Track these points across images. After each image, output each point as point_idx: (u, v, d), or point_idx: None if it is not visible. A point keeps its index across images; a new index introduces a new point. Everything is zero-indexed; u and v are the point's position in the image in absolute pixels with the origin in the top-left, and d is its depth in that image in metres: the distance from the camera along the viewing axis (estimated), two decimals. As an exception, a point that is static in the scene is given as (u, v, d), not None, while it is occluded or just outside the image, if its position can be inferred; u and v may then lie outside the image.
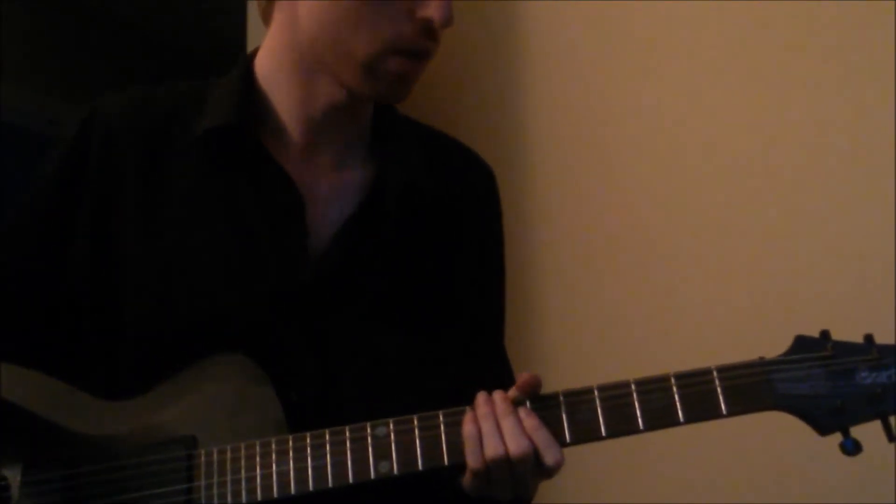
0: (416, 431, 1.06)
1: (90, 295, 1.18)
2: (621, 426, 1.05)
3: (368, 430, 1.07)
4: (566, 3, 2.27)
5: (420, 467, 1.05)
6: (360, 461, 1.06)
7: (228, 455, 1.08)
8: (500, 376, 1.31)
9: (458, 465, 1.06)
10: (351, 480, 1.05)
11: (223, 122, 1.18)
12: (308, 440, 1.07)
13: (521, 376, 1.07)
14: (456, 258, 1.26)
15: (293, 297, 1.16)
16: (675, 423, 1.04)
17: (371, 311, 1.19)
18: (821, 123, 1.84)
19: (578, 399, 1.06)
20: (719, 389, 1.04)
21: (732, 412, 1.03)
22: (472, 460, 1.04)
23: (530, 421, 1.05)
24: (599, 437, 1.06)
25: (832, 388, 1.02)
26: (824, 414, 1.02)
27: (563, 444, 1.06)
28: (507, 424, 1.05)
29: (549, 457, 1.04)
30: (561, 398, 1.06)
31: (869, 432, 1.01)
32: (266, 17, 1.23)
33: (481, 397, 1.08)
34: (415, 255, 1.22)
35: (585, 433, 1.06)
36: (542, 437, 1.04)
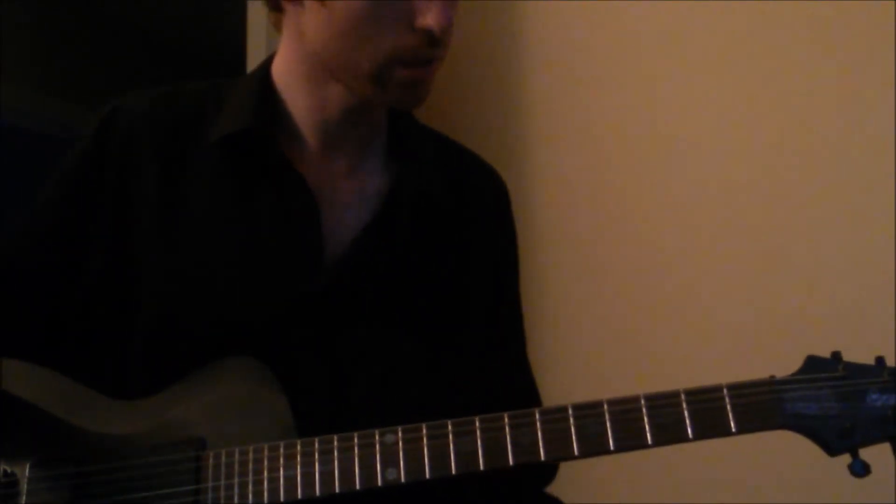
0: (425, 440, 1.06)
1: (105, 294, 1.18)
2: (630, 441, 1.05)
3: (377, 437, 1.06)
4: (566, 3, 2.29)
5: (427, 476, 1.05)
6: (367, 468, 1.06)
7: (236, 458, 1.07)
8: (520, 387, 1.31)
9: (466, 475, 1.06)
10: (358, 486, 1.05)
11: (241, 126, 1.18)
12: (316, 445, 1.07)
13: None
14: (470, 269, 1.27)
15: (307, 303, 1.16)
16: (684, 439, 1.04)
17: (384, 320, 1.19)
18: (823, 125, 1.85)
19: (587, 412, 1.06)
20: (729, 407, 1.04)
21: (742, 430, 1.03)
22: None
23: None
24: (607, 451, 1.06)
25: (842, 409, 1.02)
26: (834, 435, 1.02)
27: (570, 457, 1.06)
28: None
29: None
30: (570, 411, 1.07)
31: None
32: (277, 26, 1.23)
33: None
34: (429, 265, 1.23)
35: (594, 447, 1.06)
36: None
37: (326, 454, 1.06)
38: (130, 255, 1.18)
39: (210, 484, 1.07)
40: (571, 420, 1.06)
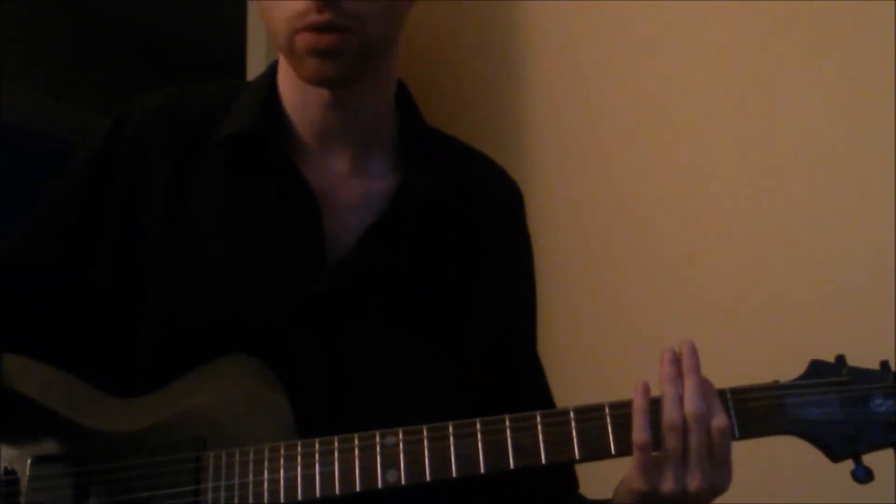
0: (426, 442, 1.06)
1: (112, 293, 1.18)
2: (631, 444, 1.05)
3: (377, 439, 1.06)
4: (566, 3, 2.29)
5: (428, 478, 1.05)
6: (367, 469, 1.05)
7: (237, 458, 1.07)
8: (531, 390, 1.31)
9: (467, 478, 1.05)
10: (358, 488, 1.05)
11: (244, 126, 1.19)
12: (317, 446, 1.07)
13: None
14: (478, 273, 1.26)
15: (309, 304, 1.15)
16: None
17: (386, 322, 1.18)
18: (824, 125, 1.85)
19: (589, 416, 1.06)
20: (733, 412, 1.04)
21: (745, 435, 1.04)
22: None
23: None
24: (609, 455, 1.06)
25: (846, 414, 1.02)
26: (837, 441, 1.02)
27: (572, 460, 1.06)
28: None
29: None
30: (571, 414, 1.06)
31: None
32: None
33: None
34: (434, 268, 1.22)
35: (595, 450, 1.06)
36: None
37: (327, 455, 1.06)
38: (138, 254, 1.18)
39: (210, 484, 1.07)
40: (573, 423, 1.06)
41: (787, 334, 1.80)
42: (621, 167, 2.15)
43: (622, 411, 1.06)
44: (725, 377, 1.07)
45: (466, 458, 1.05)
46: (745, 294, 1.91)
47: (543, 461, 1.05)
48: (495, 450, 1.05)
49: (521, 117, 2.34)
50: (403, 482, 1.05)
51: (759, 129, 1.94)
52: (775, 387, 1.05)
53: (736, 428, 1.04)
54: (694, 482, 1.02)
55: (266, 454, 1.07)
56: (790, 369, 1.08)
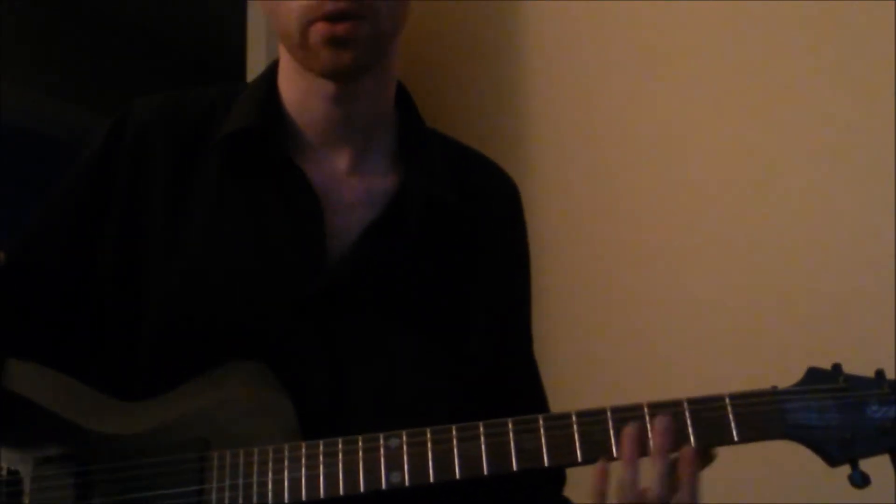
0: (429, 444, 1.07)
1: (113, 296, 1.19)
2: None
3: (381, 441, 1.07)
4: (566, 3, 2.30)
5: (431, 479, 1.06)
6: (371, 471, 1.06)
7: (241, 459, 1.08)
8: (527, 391, 1.32)
9: (470, 480, 1.06)
10: (362, 489, 1.06)
11: (243, 125, 1.19)
12: (321, 448, 1.08)
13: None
14: (478, 272, 1.27)
15: (310, 304, 1.16)
16: (686, 446, 1.06)
17: (388, 321, 1.19)
18: (824, 125, 1.86)
19: (591, 419, 1.07)
20: (731, 416, 1.05)
21: (743, 439, 1.05)
22: None
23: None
24: (610, 459, 1.06)
25: (843, 420, 1.04)
26: (834, 446, 1.03)
27: (574, 463, 1.07)
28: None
29: None
30: (574, 418, 1.08)
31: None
32: None
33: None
34: (435, 267, 1.23)
35: (597, 453, 1.07)
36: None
37: (331, 457, 1.07)
38: (139, 255, 1.18)
39: (214, 485, 1.07)
40: (575, 427, 1.07)
41: (786, 337, 1.81)
42: (621, 167, 2.15)
43: (624, 415, 1.07)
44: (723, 381, 1.08)
45: (470, 460, 1.06)
46: (744, 297, 1.92)
47: (546, 464, 1.06)
48: (499, 452, 1.06)
49: (520, 117, 2.34)
50: (407, 483, 1.06)
51: (758, 129, 1.95)
52: (773, 392, 1.06)
53: (735, 432, 1.05)
54: None
55: (270, 455, 1.08)
56: (788, 372, 1.09)
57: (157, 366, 1.16)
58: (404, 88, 1.30)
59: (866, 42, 1.81)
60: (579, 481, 1.30)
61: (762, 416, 1.05)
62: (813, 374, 1.07)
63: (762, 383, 1.08)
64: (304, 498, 1.06)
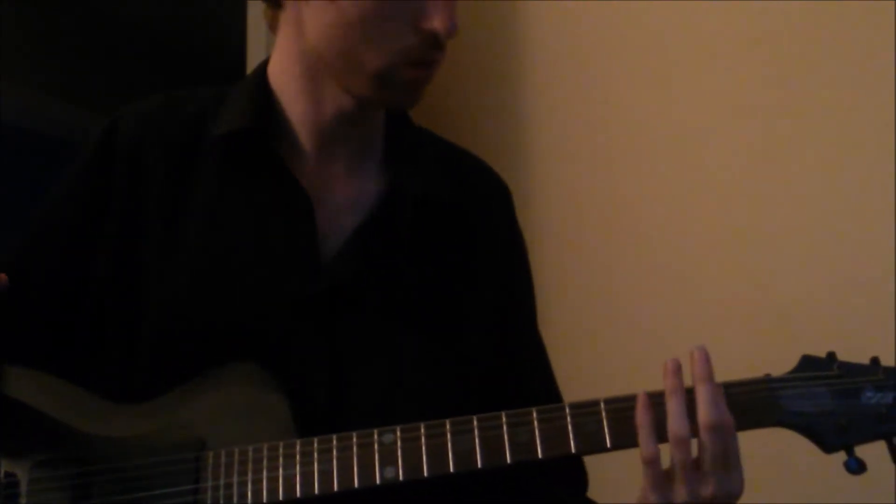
0: (423, 439, 1.07)
1: (112, 298, 1.19)
2: (627, 438, 1.06)
3: (375, 437, 1.07)
4: (566, 3, 2.29)
5: (425, 474, 1.06)
6: (365, 466, 1.06)
7: (236, 457, 1.08)
8: (536, 383, 1.33)
9: (464, 474, 1.06)
10: (356, 485, 1.06)
11: (234, 127, 1.19)
12: (315, 445, 1.08)
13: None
14: (470, 270, 1.26)
15: (304, 305, 1.16)
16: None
17: (382, 320, 1.19)
18: (824, 124, 1.85)
19: (584, 411, 1.07)
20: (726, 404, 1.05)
21: (738, 427, 1.04)
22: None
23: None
24: (604, 449, 1.07)
25: (838, 406, 1.03)
26: (829, 432, 1.03)
27: (567, 454, 1.07)
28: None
29: None
30: (567, 409, 1.07)
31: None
32: (272, 26, 1.23)
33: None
34: (426, 267, 1.23)
35: (590, 444, 1.06)
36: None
37: (325, 453, 1.07)
38: (136, 260, 1.18)
39: (209, 483, 1.08)
40: (569, 418, 1.07)
41: (786, 333, 1.81)
42: (621, 166, 2.15)
43: (617, 406, 1.07)
44: (722, 374, 1.08)
45: (463, 454, 1.06)
46: (743, 292, 1.91)
47: (540, 456, 1.06)
48: (492, 445, 1.06)
49: (521, 117, 2.34)
50: (401, 478, 1.06)
51: (758, 128, 1.94)
52: (767, 380, 1.06)
53: None
54: (708, 490, 1.02)
55: (265, 453, 1.08)
56: (786, 366, 1.09)
57: (155, 367, 1.16)
58: None
59: (866, 42, 1.80)
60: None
61: (756, 403, 1.05)
62: (807, 362, 1.07)
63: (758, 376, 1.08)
64: (298, 495, 1.06)
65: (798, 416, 1.04)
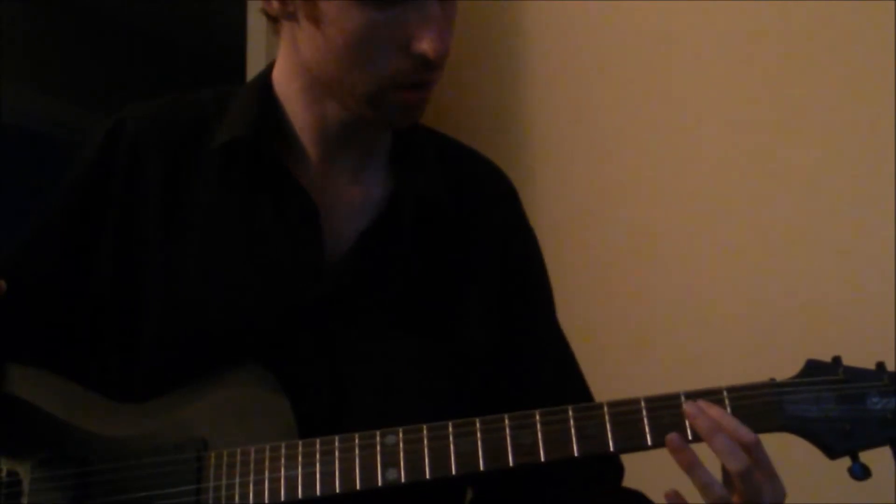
0: (425, 441, 1.07)
1: (111, 301, 1.19)
2: (630, 442, 1.06)
3: (378, 438, 1.07)
4: (567, 3, 2.29)
5: (428, 476, 1.06)
6: (368, 468, 1.06)
7: (238, 458, 1.08)
8: (563, 381, 1.32)
9: (466, 476, 1.06)
10: (358, 486, 1.06)
11: (239, 134, 1.18)
12: (317, 446, 1.07)
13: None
14: (476, 271, 1.26)
15: (309, 309, 1.16)
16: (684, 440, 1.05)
17: (386, 323, 1.19)
18: (824, 124, 1.85)
19: (587, 414, 1.07)
20: (729, 409, 1.04)
21: (744, 432, 1.04)
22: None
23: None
24: (607, 453, 1.06)
25: (842, 412, 1.03)
26: (834, 438, 1.02)
27: (570, 457, 1.06)
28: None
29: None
30: (570, 412, 1.07)
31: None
32: (276, 31, 1.23)
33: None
34: (431, 268, 1.23)
35: (593, 447, 1.06)
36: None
37: (327, 454, 1.07)
38: (137, 262, 1.18)
39: (211, 483, 1.07)
40: (571, 421, 1.07)
41: (787, 336, 1.81)
42: (622, 167, 2.15)
43: (620, 409, 1.06)
44: (725, 377, 1.08)
45: (466, 456, 1.06)
46: (746, 294, 1.91)
47: (543, 459, 1.05)
48: (495, 448, 1.06)
49: (521, 117, 2.34)
50: (403, 480, 1.06)
51: (758, 129, 1.94)
52: (772, 385, 1.05)
53: None
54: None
55: (267, 453, 1.08)
56: (788, 370, 1.08)
57: (156, 371, 1.16)
58: None
59: (866, 42, 1.80)
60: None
61: (760, 408, 1.04)
62: (812, 366, 1.06)
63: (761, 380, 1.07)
64: (300, 496, 1.06)
65: (803, 422, 1.03)
